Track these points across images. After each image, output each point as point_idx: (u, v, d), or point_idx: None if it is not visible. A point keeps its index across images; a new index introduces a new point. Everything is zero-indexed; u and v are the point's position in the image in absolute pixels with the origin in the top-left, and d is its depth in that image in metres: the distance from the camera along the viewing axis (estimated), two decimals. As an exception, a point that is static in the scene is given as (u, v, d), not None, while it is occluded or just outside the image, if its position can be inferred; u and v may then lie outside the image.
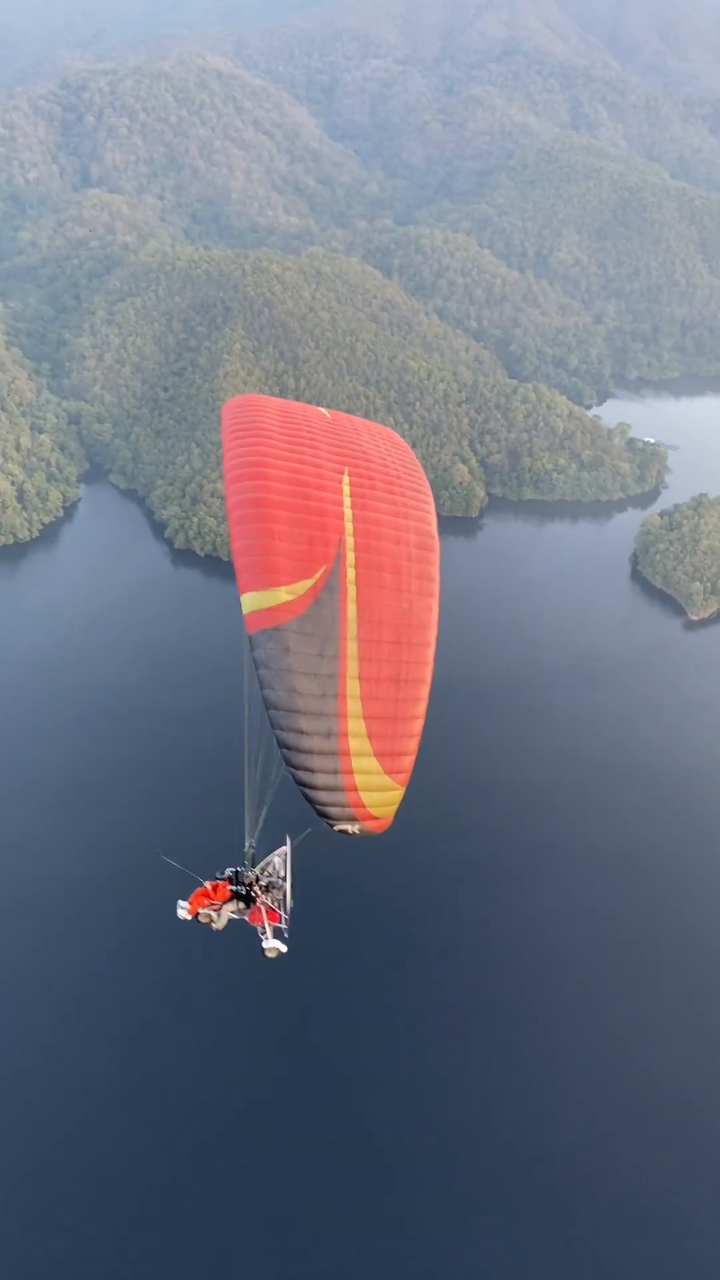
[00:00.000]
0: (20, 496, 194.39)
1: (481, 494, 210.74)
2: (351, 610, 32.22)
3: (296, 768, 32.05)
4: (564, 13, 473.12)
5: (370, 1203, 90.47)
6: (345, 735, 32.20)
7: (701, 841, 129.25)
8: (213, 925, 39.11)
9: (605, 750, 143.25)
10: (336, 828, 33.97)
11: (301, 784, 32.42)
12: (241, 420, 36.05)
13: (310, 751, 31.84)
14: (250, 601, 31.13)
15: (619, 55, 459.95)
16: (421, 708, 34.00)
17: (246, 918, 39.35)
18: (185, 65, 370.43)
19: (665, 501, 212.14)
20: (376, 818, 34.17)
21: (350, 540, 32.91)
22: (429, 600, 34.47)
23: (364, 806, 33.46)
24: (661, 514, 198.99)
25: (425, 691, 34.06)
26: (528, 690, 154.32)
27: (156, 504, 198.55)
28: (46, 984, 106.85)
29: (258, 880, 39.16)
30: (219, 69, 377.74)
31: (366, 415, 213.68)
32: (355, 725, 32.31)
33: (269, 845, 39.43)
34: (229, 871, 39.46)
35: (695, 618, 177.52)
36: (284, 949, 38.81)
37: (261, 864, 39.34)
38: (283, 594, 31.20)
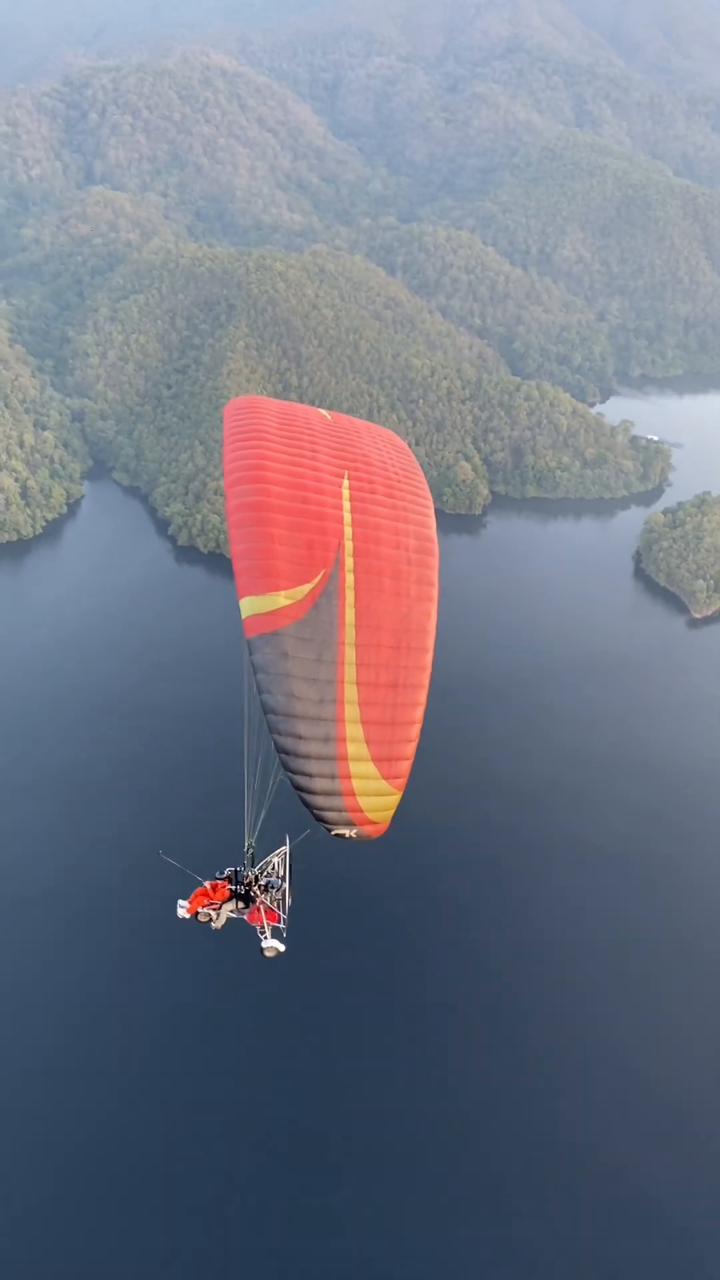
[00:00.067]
0: (24, 493, 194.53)
1: (485, 491, 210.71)
2: (350, 615, 32.26)
3: (294, 772, 32.17)
4: (567, 10, 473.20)
5: (370, 1202, 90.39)
6: (343, 740, 32.31)
7: (704, 840, 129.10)
8: (212, 924, 39.32)
9: (608, 748, 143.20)
10: (334, 832, 34.13)
11: (299, 788, 32.56)
12: (242, 423, 36.02)
13: (308, 756, 31.98)
14: (249, 606, 31.16)
15: (622, 52, 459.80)
16: (419, 713, 34.09)
17: (245, 917, 39.53)
18: (189, 63, 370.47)
19: (669, 499, 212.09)
20: (374, 822, 34.38)
21: (349, 545, 32.86)
22: (428, 605, 34.48)
23: (361, 811, 33.65)
24: (665, 512, 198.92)
25: (423, 697, 34.15)
26: (530, 688, 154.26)
27: (160, 501, 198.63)
28: (47, 982, 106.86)
29: (256, 880, 39.35)
30: (223, 66, 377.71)
31: (370, 412, 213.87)
32: (353, 730, 32.42)
33: (268, 845, 39.59)
34: (228, 871, 39.67)
35: (698, 615, 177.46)
36: (282, 948, 39.01)
37: (261, 864, 39.55)
38: (281, 598, 31.21)
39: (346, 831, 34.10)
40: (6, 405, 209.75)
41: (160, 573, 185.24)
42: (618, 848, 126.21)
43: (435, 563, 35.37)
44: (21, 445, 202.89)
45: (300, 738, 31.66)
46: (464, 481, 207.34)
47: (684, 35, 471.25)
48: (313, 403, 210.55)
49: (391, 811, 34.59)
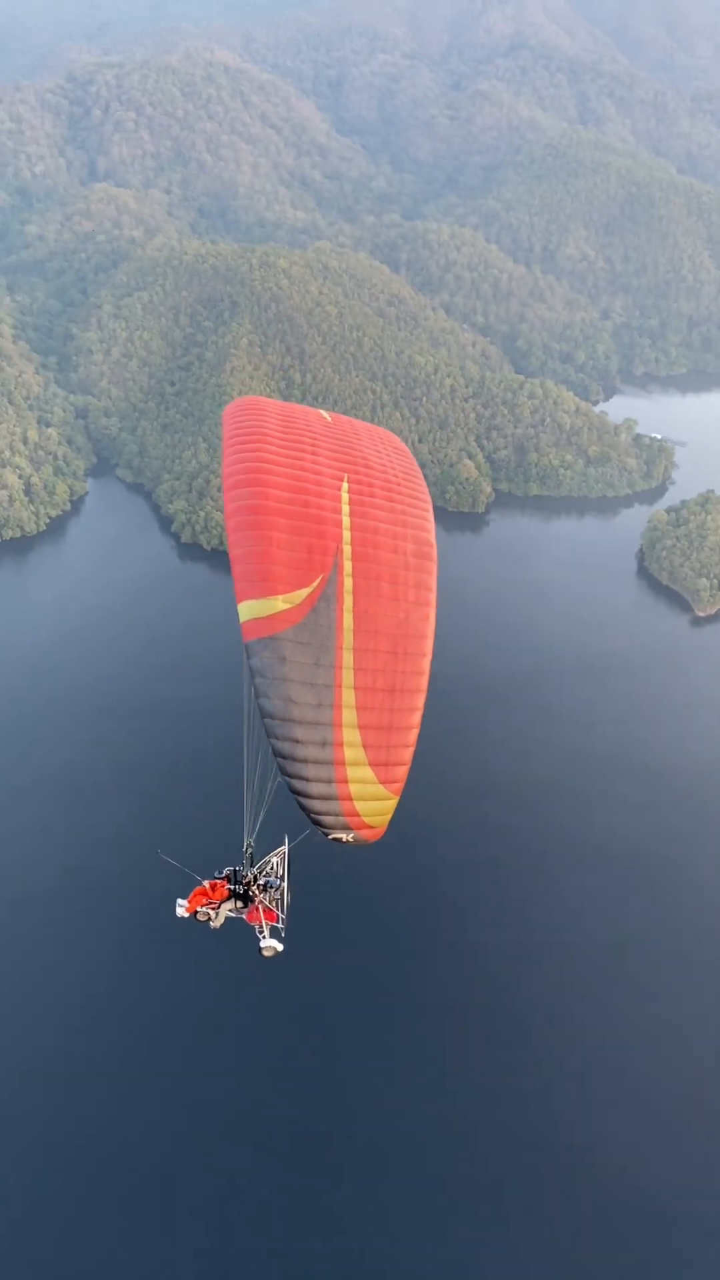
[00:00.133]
0: (27, 490, 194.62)
1: (488, 489, 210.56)
2: (348, 619, 32.30)
3: (292, 776, 32.24)
4: (571, 7, 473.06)
5: (370, 1202, 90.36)
6: (340, 745, 32.38)
7: (705, 841, 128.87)
8: (211, 924, 39.52)
9: (610, 746, 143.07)
10: (331, 836, 34.24)
11: (296, 792, 32.63)
12: (242, 425, 36.02)
13: (305, 760, 32.05)
14: (247, 610, 31.24)
15: (626, 50, 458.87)
16: (417, 718, 34.18)
17: (244, 916, 39.73)
18: (192, 59, 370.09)
19: (672, 497, 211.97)
20: (370, 827, 34.47)
21: (348, 549, 32.89)
22: (426, 610, 34.55)
23: (358, 816, 33.74)
24: (668, 510, 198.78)
25: (421, 702, 34.25)
26: (532, 686, 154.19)
27: (163, 498, 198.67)
28: (46, 982, 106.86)
29: (255, 880, 39.52)
30: (226, 63, 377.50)
31: (373, 410, 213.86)
32: (350, 735, 32.51)
33: (267, 845, 39.73)
34: (227, 870, 39.86)
35: (701, 614, 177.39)
36: (280, 948, 39.24)
37: (260, 863, 39.71)
38: (279, 603, 31.25)
39: (343, 836, 34.23)
40: (10, 402, 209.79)
41: (163, 570, 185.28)
42: (618, 848, 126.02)
43: (434, 567, 35.44)
44: (25, 442, 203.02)
45: (298, 742, 31.76)
46: (467, 479, 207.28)
47: (688, 33, 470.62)
48: (316, 400, 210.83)
49: (388, 816, 34.73)
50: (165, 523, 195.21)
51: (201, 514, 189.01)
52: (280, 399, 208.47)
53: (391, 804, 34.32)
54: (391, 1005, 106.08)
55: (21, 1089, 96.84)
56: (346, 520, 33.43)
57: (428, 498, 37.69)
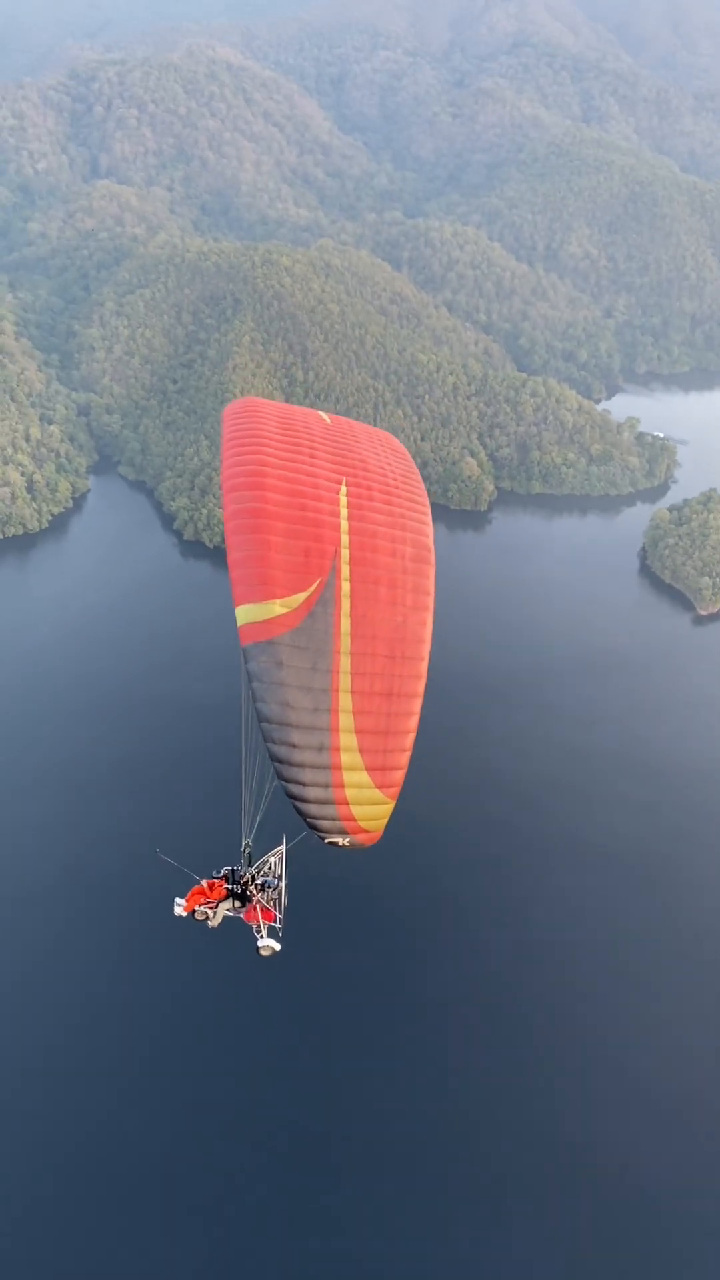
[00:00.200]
0: (30, 487, 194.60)
1: (490, 487, 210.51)
2: (345, 624, 32.32)
3: (288, 780, 32.24)
4: (574, 5, 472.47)
5: (370, 1202, 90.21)
6: (337, 749, 32.41)
7: (706, 840, 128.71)
8: (209, 923, 39.64)
9: (612, 745, 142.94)
10: (327, 840, 34.31)
11: (293, 797, 32.66)
12: (241, 427, 36.06)
13: (302, 765, 32.06)
14: (245, 614, 31.27)
15: (629, 48, 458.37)
16: (413, 722, 34.22)
17: (242, 916, 39.83)
18: (194, 56, 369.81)
19: (674, 496, 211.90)
20: (366, 831, 34.53)
21: (346, 553, 32.91)
22: (423, 614, 34.58)
23: (354, 820, 33.79)
24: (671, 509, 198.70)
25: (417, 706, 34.28)
26: (533, 685, 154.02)
27: (165, 495, 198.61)
28: (45, 981, 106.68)
29: (253, 879, 39.60)
30: (228, 60, 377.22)
31: (375, 408, 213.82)
32: (347, 739, 32.52)
33: (265, 845, 39.78)
34: (225, 870, 39.98)
35: (704, 613, 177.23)
36: (278, 947, 39.37)
37: (258, 863, 39.79)
38: (277, 607, 31.27)
39: (340, 840, 34.32)
40: (13, 399, 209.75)
41: (166, 567, 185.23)
42: (619, 847, 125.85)
43: (431, 571, 35.47)
44: (28, 439, 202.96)
45: (294, 746, 31.76)
46: (469, 477, 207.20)
47: (691, 31, 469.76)
48: (318, 397, 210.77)
49: (384, 821, 34.77)
50: (167, 520, 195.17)
51: (203, 511, 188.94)
52: (283, 397, 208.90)
53: (388, 808, 34.36)
54: (391, 1004, 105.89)
55: (21, 1088, 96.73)
56: (345, 524, 33.44)
57: (426, 501, 37.74)
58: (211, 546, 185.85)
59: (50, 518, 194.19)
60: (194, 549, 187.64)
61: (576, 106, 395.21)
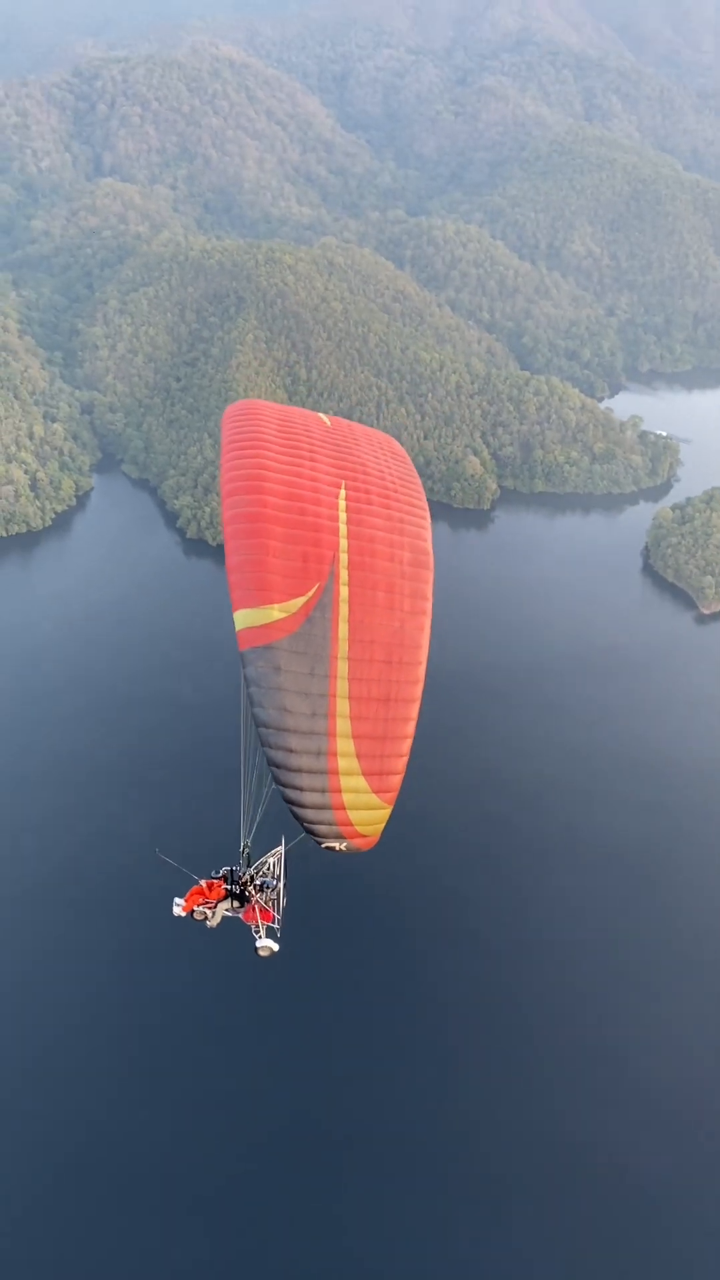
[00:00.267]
0: (33, 485, 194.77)
1: (493, 486, 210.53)
2: (343, 629, 32.34)
3: (285, 786, 32.31)
4: (577, 3, 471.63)
5: (370, 1201, 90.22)
6: (334, 755, 32.45)
7: (707, 840, 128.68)
8: (207, 923, 39.68)
9: (613, 744, 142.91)
10: (324, 845, 34.46)
11: (290, 802, 32.72)
12: (240, 430, 36.06)
13: (299, 770, 32.11)
14: (243, 619, 31.31)
15: (632, 46, 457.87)
16: (411, 728, 34.26)
17: (241, 916, 39.89)
18: (198, 54, 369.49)
19: (677, 495, 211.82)
20: (363, 835, 34.62)
21: (344, 557, 32.91)
22: (421, 620, 34.59)
23: (351, 825, 33.86)
24: (673, 507, 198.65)
25: (415, 711, 34.32)
26: (536, 683, 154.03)
27: (169, 494, 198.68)
28: (44, 980, 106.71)
29: (252, 880, 39.65)
30: (232, 58, 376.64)
31: (378, 406, 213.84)
32: (344, 745, 32.57)
33: (264, 845, 39.87)
34: (224, 870, 40.00)
35: (706, 611, 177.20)
36: (276, 948, 39.38)
37: (256, 864, 39.86)
38: (275, 612, 31.29)
39: (336, 845, 34.42)
40: (16, 397, 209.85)
41: (169, 565, 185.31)
42: (620, 846, 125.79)
43: (430, 576, 35.47)
44: (31, 437, 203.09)
45: (292, 751, 31.81)
46: (472, 476, 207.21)
47: (694, 29, 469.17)
48: (321, 396, 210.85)
49: (381, 825, 34.83)
50: (170, 518, 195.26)
51: (206, 510, 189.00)
52: (285, 395, 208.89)
53: (385, 813, 34.42)
54: (391, 1004, 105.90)
55: (21, 1088, 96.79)
56: (343, 528, 33.44)
57: (425, 505, 37.71)
58: (214, 545, 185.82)
59: (53, 516, 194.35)
60: (197, 547, 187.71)
61: (579, 104, 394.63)
